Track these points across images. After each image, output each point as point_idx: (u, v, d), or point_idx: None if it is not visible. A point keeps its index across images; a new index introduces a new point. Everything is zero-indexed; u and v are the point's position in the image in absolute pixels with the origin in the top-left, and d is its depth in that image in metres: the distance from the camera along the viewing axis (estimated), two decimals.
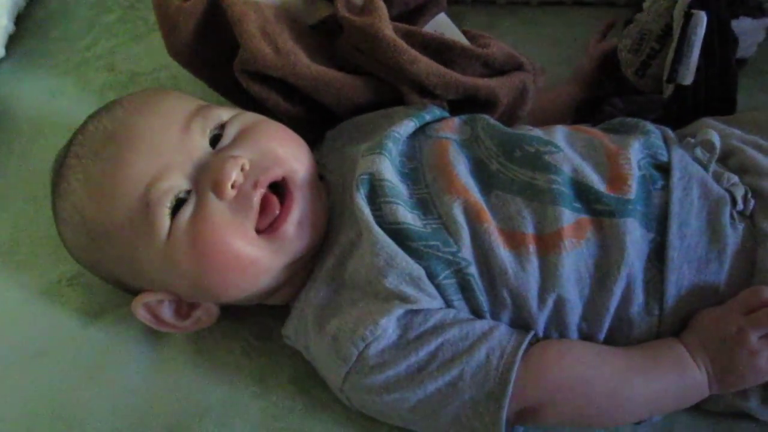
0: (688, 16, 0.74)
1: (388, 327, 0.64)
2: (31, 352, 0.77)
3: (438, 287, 0.65)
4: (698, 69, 0.76)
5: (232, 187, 0.65)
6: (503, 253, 0.65)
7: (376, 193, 0.68)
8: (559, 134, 0.73)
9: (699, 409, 0.68)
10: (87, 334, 0.78)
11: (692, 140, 0.71)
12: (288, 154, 0.70)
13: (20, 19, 1.07)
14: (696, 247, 0.65)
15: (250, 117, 0.73)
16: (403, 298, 0.64)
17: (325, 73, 0.77)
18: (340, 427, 0.71)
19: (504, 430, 0.62)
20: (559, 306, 0.65)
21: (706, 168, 0.69)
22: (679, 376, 0.64)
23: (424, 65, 0.75)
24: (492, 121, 0.75)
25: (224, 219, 0.66)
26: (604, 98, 0.80)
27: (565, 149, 0.70)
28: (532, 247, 0.65)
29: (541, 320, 0.66)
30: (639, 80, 0.81)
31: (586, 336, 0.66)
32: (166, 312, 0.72)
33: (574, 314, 0.65)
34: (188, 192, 0.67)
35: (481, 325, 0.65)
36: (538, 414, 0.63)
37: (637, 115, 0.76)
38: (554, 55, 0.97)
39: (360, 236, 0.67)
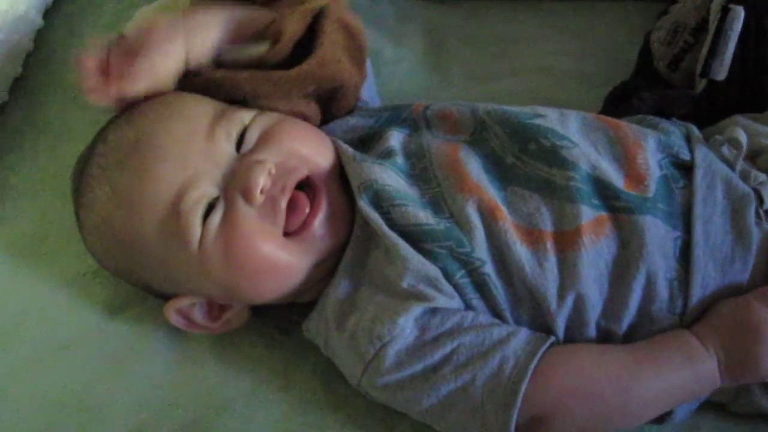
0: (725, 11, 0.73)
1: (406, 327, 0.64)
2: (56, 344, 0.77)
3: (455, 287, 0.65)
4: (732, 64, 0.75)
5: (261, 192, 0.66)
6: (520, 249, 0.64)
7: (380, 198, 0.67)
8: (574, 124, 0.71)
9: (725, 410, 0.67)
10: (112, 326, 0.78)
11: (719, 137, 0.70)
12: (311, 151, 0.70)
13: (48, 14, 1.08)
14: (721, 246, 0.65)
15: (271, 117, 0.72)
16: (421, 297, 0.64)
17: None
18: (362, 420, 0.71)
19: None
20: (579, 304, 0.64)
21: (732, 166, 0.68)
22: (689, 366, 0.62)
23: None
24: (494, 105, 0.74)
25: (254, 224, 0.66)
26: (632, 91, 0.78)
27: (581, 144, 0.69)
28: (550, 244, 0.64)
29: (560, 318, 0.65)
30: (671, 73, 0.80)
31: (605, 333, 0.65)
32: (198, 314, 0.73)
33: (593, 312, 0.64)
34: (216, 198, 0.67)
35: (498, 332, 0.64)
36: (552, 422, 0.62)
37: (666, 109, 0.75)
38: (573, 48, 0.96)
39: (373, 233, 0.67)
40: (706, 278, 0.64)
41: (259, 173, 0.66)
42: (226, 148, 0.69)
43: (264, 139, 0.70)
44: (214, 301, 0.72)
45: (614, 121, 0.72)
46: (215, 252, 0.67)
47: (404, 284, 0.64)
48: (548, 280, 0.64)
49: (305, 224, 0.67)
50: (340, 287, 0.69)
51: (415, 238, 0.65)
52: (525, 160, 0.68)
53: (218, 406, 0.72)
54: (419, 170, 0.70)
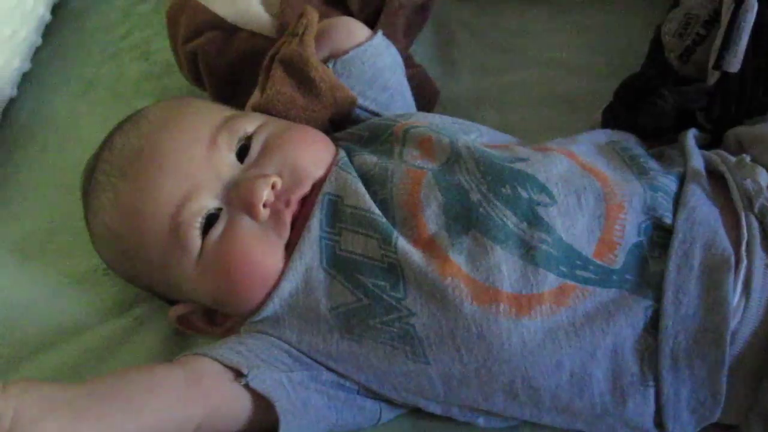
0: (738, 2, 0.72)
1: None
2: (65, 340, 0.77)
3: (371, 329, 0.62)
4: (745, 57, 0.74)
5: (264, 206, 0.65)
6: (468, 308, 0.60)
7: (338, 218, 0.65)
8: (558, 168, 0.66)
9: None
10: (122, 322, 0.78)
11: (734, 158, 0.68)
12: (315, 162, 0.68)
13: (57, 9, 1.08)
14: (694, 317, 0.60)
15: (275, 126, 0.71)
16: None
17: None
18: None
19: None
20: (528, 372, 0.60)
21: (752, 200, 0.65)
22: None
23: None
24: (477, 140, 0.70)
25: (256, 237, 0.65)
26: (652, 90, 0.78)
27: (560, 198, 0.64)
28: (503, 306, 0.60)
29: (502, 380, 0.61)
30: (682, 65, 0.79)
31: (567, 410, 0.62)
32: (200, 320, 0.73)
33: (546, 380, 0.61)
34: (219, 209, 0.66)
35: None
36: None
37: (685, 105, 0.74)
38: (583, 41, 0.95)
39: None
40: (676, 349, 0.60)
41: (262, 188, 0.64)
42: (227, 157, 0.68)
43: (268, 150, 0.68)
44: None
45: (602, 174, 0.67)
46: (215, 263, 0.66)
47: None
48: (493, 345, 0.60)
49: (303, 234, 0.66)
50: None
51: (353, 267, 0.63)
52: (492, 201, 0.63)
53: None
54: (379, 200, 0.65)
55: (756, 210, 0.64)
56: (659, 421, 0.62)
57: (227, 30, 0.86)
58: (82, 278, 0.82)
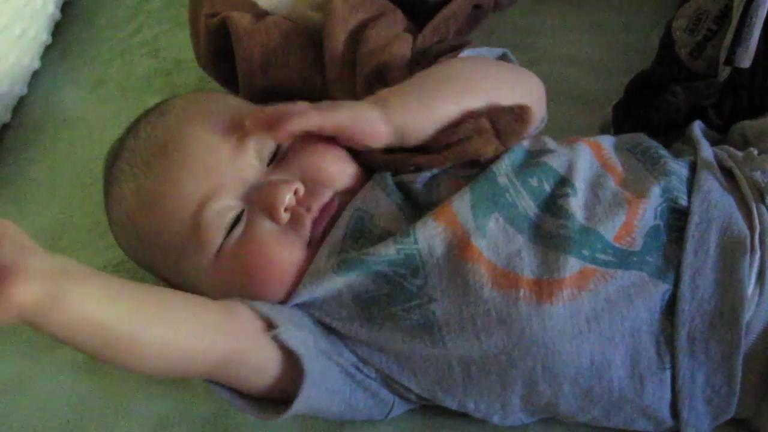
0: None
1: None
2: None
3: (392, 316, 0.63)
4: (756, 52, 0.73)
5: (285, 210, 0.65)
6: (488, 293, 0.60)
7: (363, 235, 0.65)
8: (583, 162, 0.67)
9: (747, 427, 0.65)
10: None
11: (740, 153, 0.68)
12: (336, 171, 0.69)
13: (66, 7, 1.08)
14: (710, 300, 0.60)
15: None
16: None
17: None
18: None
19: None
20: (549, 359, 0.61)
21: (763, 193, 0.64)
22: None
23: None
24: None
25: (275, 239, 0.66)
26: (663, 86, 0.77)
27: (580, 191, 0.65)
28: (524, 292, 0.60)
29: (519, 368, 0.61)
30: (693, 61, 0.79)
31: (587, 393, 0.61)
32: None
33: (567, 367, 0.61)
34: (241, 212, 0.67)
35: None
36: None
37: (695, 101, 0.74)
38: (594, 37, 0.94)
39: None
40: (692, 332, 0.60)
41: (285, 192, 0.65)
42: (253, 161, 0.68)
43: (293, 156, 0.69)
44: None
45: (619, 171, 0.68)
46: (232, 263, 0.66)
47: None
48: (513, 331, 0.60)
49: (325, 232, 0.67)
50: None
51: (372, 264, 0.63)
52: (518, 189, 0.64)
53: None
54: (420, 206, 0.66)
55: (767, 202, 0.64)
56: (675, 411, 0.62)
57: (259, 14, 0.84)
58: None
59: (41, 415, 0.73)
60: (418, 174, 0.68)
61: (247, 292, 0.66)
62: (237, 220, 0.67)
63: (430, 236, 0.62)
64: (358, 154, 0.70)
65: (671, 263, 0.62)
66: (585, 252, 0.61)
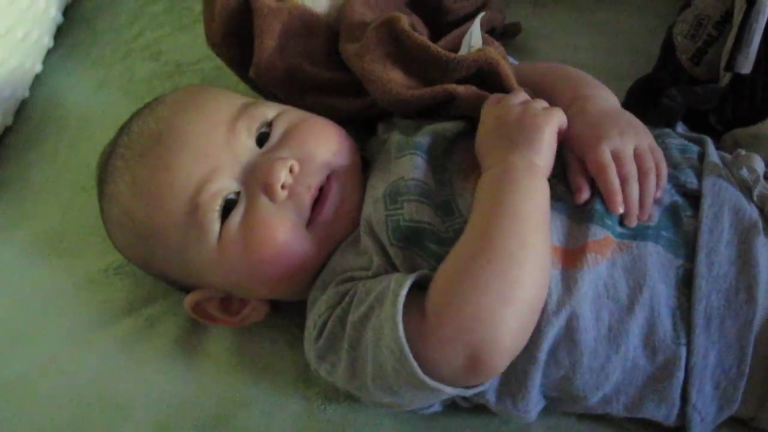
0: (750, 3, 0.72)
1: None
2: (79, 340, 0.78)
3: None
4: (757, 58, 0.74)
5: (282, 188, 0.66)
6: None
7: (398, 192, 0.66)
8: None
9: (748, 425, 0.66)
10: (133, 322, 0.78)
11: (730, 156, 0.69)
12: (332, 152, 0.70)
13: (68, 10, 1.08)
14: (725, 276, 0.62)
15: (295, 114, 0.73)
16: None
17: (314, 105, 0.78)
18: (382, 418, 0.71)
19: (405, 346, 0.57)
20: (572, 323, 0.61)
21: (751, 189, 0.67)
22: (522, 188, 0.61)
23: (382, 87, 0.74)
24: None
25: (277, 219, 0.66)
26: (661, 90, 0.77)
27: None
28: (555, 260, 0.63)
29: (550, 333, 0.61)
30: (694, 67, 0.79)
31: (604, 359, 0.62)
32: (217, 309, 0.73)
33: (586, 334, 0.62)
34: (237, 194, 0.67)
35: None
36: (478, 349, 0.56)
37: (695, 106, 0.74)
38: (596, 42, 0.94)
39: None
40: (709, 308, 0.62)
41: (280, 169, 0.66)
42: (247, 142, 0.69)
43: (287, 137, 0.70)
44: (232, 295, 0.72)
45: None
46: (236, 246, 0.67)
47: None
48: (548, 295, 0.61)
49: (317, 211, 0.68)
50: (320, 277, 0.69)
51: (423, 234, 0.64)
52: None
53: (240, 402, 0.72)
54: (439, 177, 0.69)
55: (755, 198, 0.66)
56: (684, 394, 0.63)
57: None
58: (94, 278, 0.82)
59: (43, 416, 0.73)
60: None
61: (256, 278, 0.67)
62: (235, 202, 0.67)
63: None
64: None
65: (685, 240, 0.64)
66: (608, 221, 0.64)
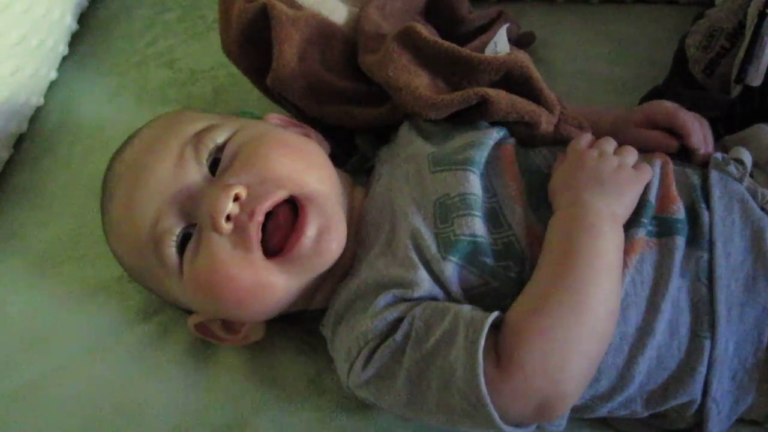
0: (762, 16, 0.72)
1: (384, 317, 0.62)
2: (92, 347, 0.78)
3: (504, 309, 0.61)
4: None
5: (228, 219, 0.63)
6: None
7: (448, 210, 0.65)
8: (610, 147, 0.71)
9: (761, 426, 0.66)
10: (146, 330, 0.79)
11: (720, 157, 0.70)
12: (292, 170, 0.66)
13: (83, 18, 1.09)
14: (742, 266, 0.64)
15: (249, 134, 0.69)
16: (400, 285, 0.63)
17: (332, 114, 0.78)
18: (393, 426, 0.71)
19: (486, 397, 0.57)
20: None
21: (740, 182, 0.68)
22: (604, 234, 0.62)
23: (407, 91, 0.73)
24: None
25: (226, 253, 0.64)
26: (668, 89, 0.78)
27: None
28: None
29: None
30: (706, 78, 0.79)
31: (631, 357, 0.63)
32: (218, 329, 0.73)
33: (616, 331, 0.62)
34: (191, 225, 0.66)
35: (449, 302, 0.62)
36: (551, 396, 0.57)
37: (702, 112, 0.75)
38: (608, 52, 0.94)
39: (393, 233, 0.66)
40: (729, 297, 0.63)
41: (223, 200, 0.62)
42: (195, 171, 0.66)
43: (239, 159, 0.66)
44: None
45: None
46: (193, 281, 0.66)
47: (389, 275, 0.64)
48: None
49: (290, 245, 0.64)
50: (352, 288, 0.67)
51: (477, 250, 0.63)
52: None
53: (251, 410, 0.73)
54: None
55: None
56: (705, 387, 0.63)
57: (294, 7, 0.83)
58: (107, 286, 0.83)
59: (55, 422, 0.74)
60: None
61: (225, 309, 0.67)
62: (189, 237, 0.65)
63: (520, 219, 0.65)
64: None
65: (703, 232, 0.65)
66: (644, 220, 0.65)
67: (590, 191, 0.64)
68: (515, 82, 0.73)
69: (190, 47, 1.04)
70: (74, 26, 1.06)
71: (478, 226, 0.64)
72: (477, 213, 0.65)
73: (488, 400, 0.57)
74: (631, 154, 0.69)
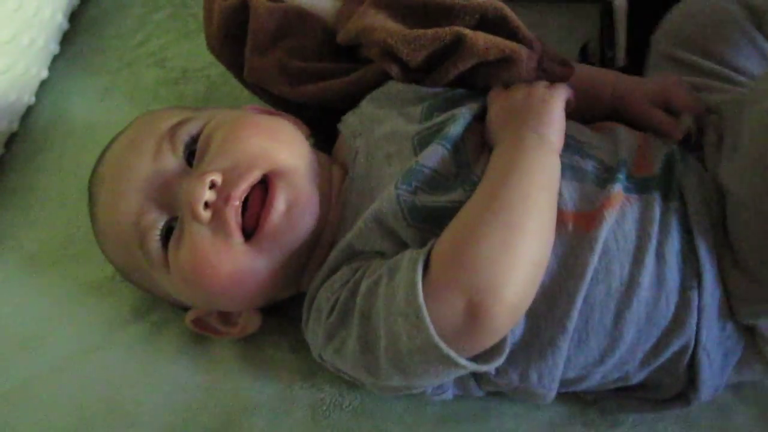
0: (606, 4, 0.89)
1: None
2: (85, 347, 0.78)
3: None
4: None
5: (207, 206, 0.63)
6: None
7: (413, 174, 0.64)
8: (587, 130, 0.72)
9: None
10: (139, 329, 0.79)
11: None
12: (263, 148, 0.67)
13: (74, 17, 1.08)
14: (717, 206, 0.64)
15: (220, 121, 0.70)
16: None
17: (306, 92, 0.77)
18: (388, 423, 0.71)
19: (429, 325, 0.55)
20: (600, 278, 0.62)
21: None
22: (532, 159, 0.62)
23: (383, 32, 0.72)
24: None
25: (207, 242, 0.64)
26: None
27: (597, 141, 0.70)
28: (571, 226, 0.63)
29: (579, 301, 0.62)
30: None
31: (618, 313, 0.62)
32: (215, 322, 0.74)
33: (599, 287, 0.62)
34: (174, 219, 0.67)
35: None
36: (479, 302, 0.55)
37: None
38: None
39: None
40: (709, 244, 0.63)
41: (200, 189, 0.63)
42: (172, 164, 0.67)
43: (213, 147, 0.67)
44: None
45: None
46: (179, 273, 0.66)
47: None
48: (565, 258, 0.62)
49: (261, 222, 0.64)
50: (323, 270, 0.66)
51: (446, 215, 0.61)
52: None
53: (245, 409, 0.73)
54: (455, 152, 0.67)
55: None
56: (696, 338, 0.63)
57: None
58: (100, 285, 0.83)
59: (47, 423, 0.74)
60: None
61: (214, 299, 0.67)
62: (173, 228, 0.66)
63: None
64: None
65: (679, 185, 0.65)
66: (620, 175, 0.65)
67: (511, 126, 0.65)
68: (491, 23, 0.72)
69: (182, 46, 1.04)
70: (65, 25, 1.05)
71: (442, 197, 0.64)
72: (434, 192, 0.64)
73: (424, 309, 0.55)
74: (541, 83, 0.70)
